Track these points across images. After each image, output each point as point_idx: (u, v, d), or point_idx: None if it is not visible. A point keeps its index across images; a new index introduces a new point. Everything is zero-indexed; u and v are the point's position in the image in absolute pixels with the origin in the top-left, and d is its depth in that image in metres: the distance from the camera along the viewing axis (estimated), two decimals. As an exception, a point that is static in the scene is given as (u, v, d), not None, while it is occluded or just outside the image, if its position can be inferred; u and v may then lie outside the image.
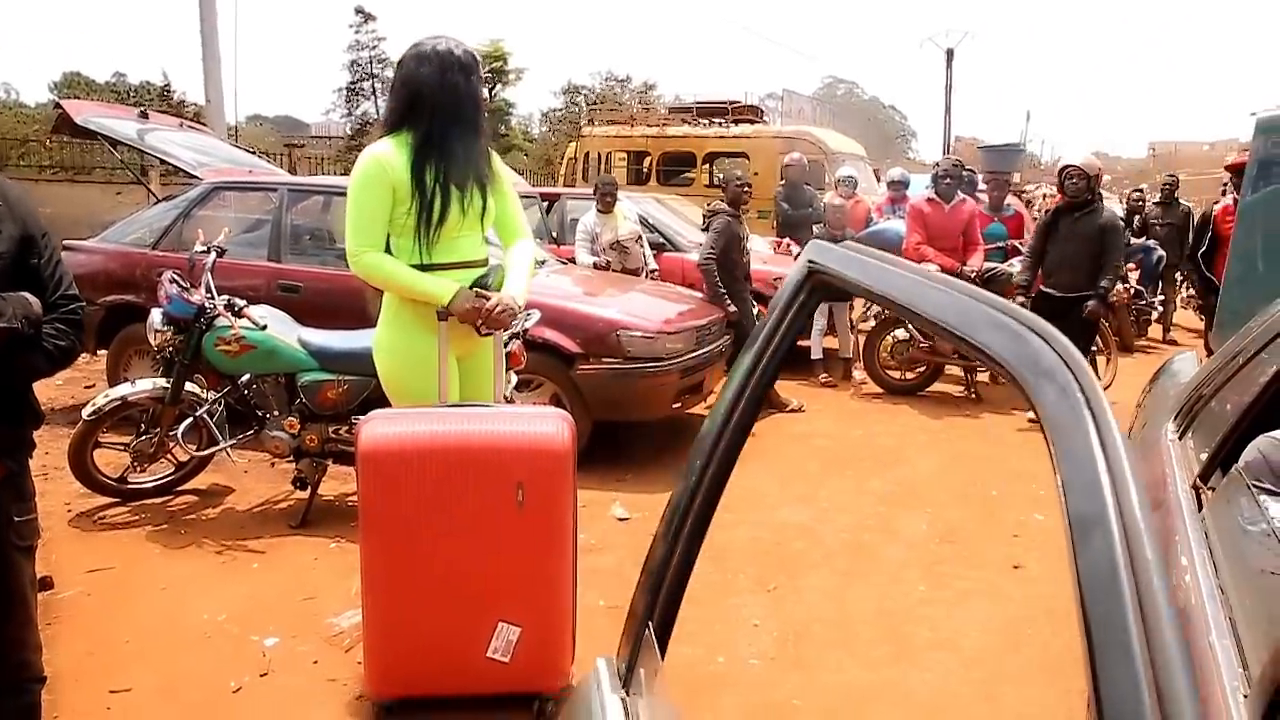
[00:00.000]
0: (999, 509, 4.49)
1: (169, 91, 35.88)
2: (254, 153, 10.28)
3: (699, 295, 6.02)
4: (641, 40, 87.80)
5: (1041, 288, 5.90)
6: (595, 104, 33.09)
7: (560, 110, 43.17)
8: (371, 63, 43.80)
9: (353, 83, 44.72)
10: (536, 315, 4.04)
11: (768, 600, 3.45)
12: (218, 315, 3.94)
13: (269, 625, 3.16)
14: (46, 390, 6.60)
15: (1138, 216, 9.86)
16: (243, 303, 3.96)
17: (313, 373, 3.97)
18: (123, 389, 4.16)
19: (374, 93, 43.49)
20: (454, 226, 2.71)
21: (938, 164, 6.73)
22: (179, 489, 4.47)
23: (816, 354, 7.22)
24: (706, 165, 13.79)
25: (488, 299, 2.62)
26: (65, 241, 6.45)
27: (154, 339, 4.05)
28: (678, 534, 1.13)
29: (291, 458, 4.11)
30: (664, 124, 14.81)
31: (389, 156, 2.66)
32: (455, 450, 2.42)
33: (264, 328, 3.92)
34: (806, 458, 5.29)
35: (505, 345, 3.85)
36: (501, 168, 2.89)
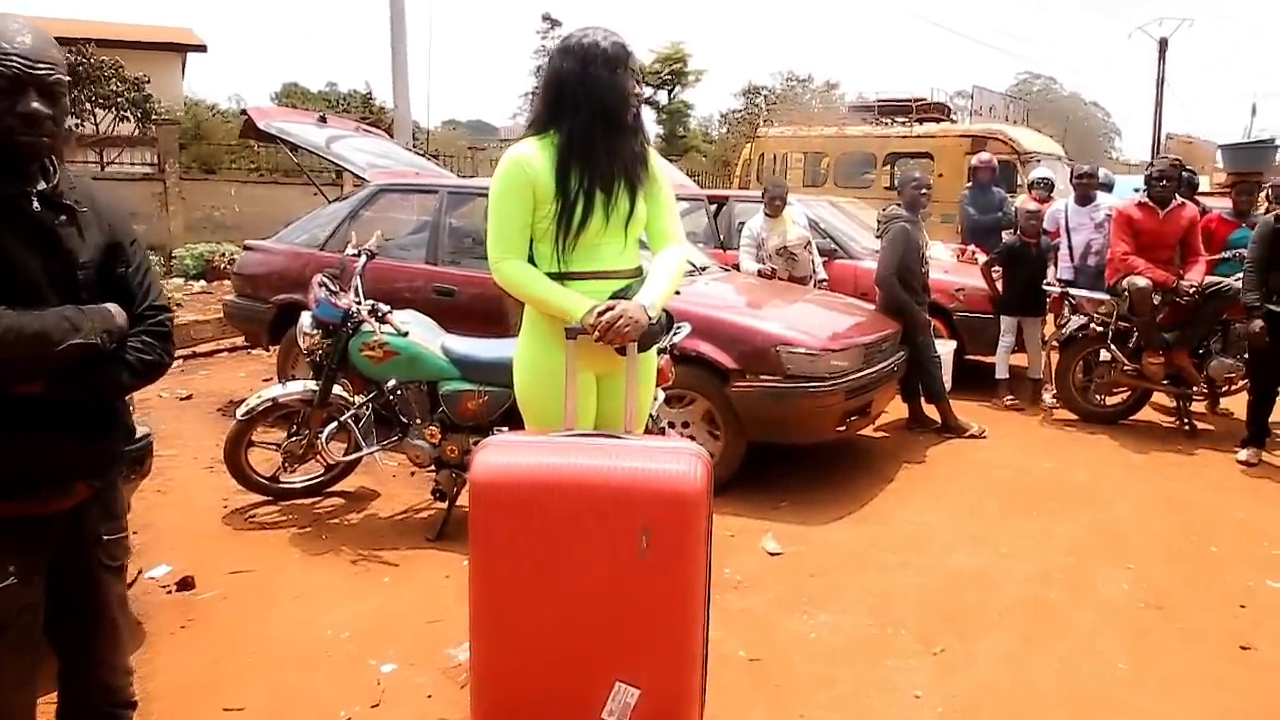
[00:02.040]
0: (1220, 570, 3.81)
1: (370, 99, 38.18)
2: (434, 156, 10.56)
3: (870, 307, 5.55)
4: (824, 39, 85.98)
5: (1270, 306, 5.06)
6: (775, 104, 32.52)
7: (740, 111, 42.83)
8: (555, 67, 44.79)
9: (537, 87, 45.90)
10: (686, 328, 3.75)
11: (933, 666, 3.01)
12: (363, 320, 3.87)
13: (389, 649, 3.02)
14: (230, 383, 6.93)
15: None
16: (387, 308, 3.88)
17: (454, 382, 3.84)
18: (274, 390, 4.19)
19: (556, 96, 44.42)
20: (596, 233, 2.45)
21: (1151, 164, 5.93)
22: (328, 490, 4.48)
23: (1002, 373, 6.55)
24: (887, 166, 13.11)
25: (612, 309, 2.33)
26: (245, 242, 6.75)
27: (303, 342, 4.05)
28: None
29: (432, 467, 4.01)
30: (843, 123, 14.22)
31: (530, 158, 2.43)
32: (572, 488, 2.16)
33: (406, 334, 3.82)
34: (985, 492, 4.73)
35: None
36: (661, 169, 2.60)
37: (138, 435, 3.13)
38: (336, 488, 4.51)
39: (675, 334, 3.72)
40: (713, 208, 7.90)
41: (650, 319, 2.37)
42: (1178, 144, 25.59)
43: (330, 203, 6.34)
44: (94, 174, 14.89)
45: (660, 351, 3.61)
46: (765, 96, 39.75)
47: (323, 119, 6.63)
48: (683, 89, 32.13)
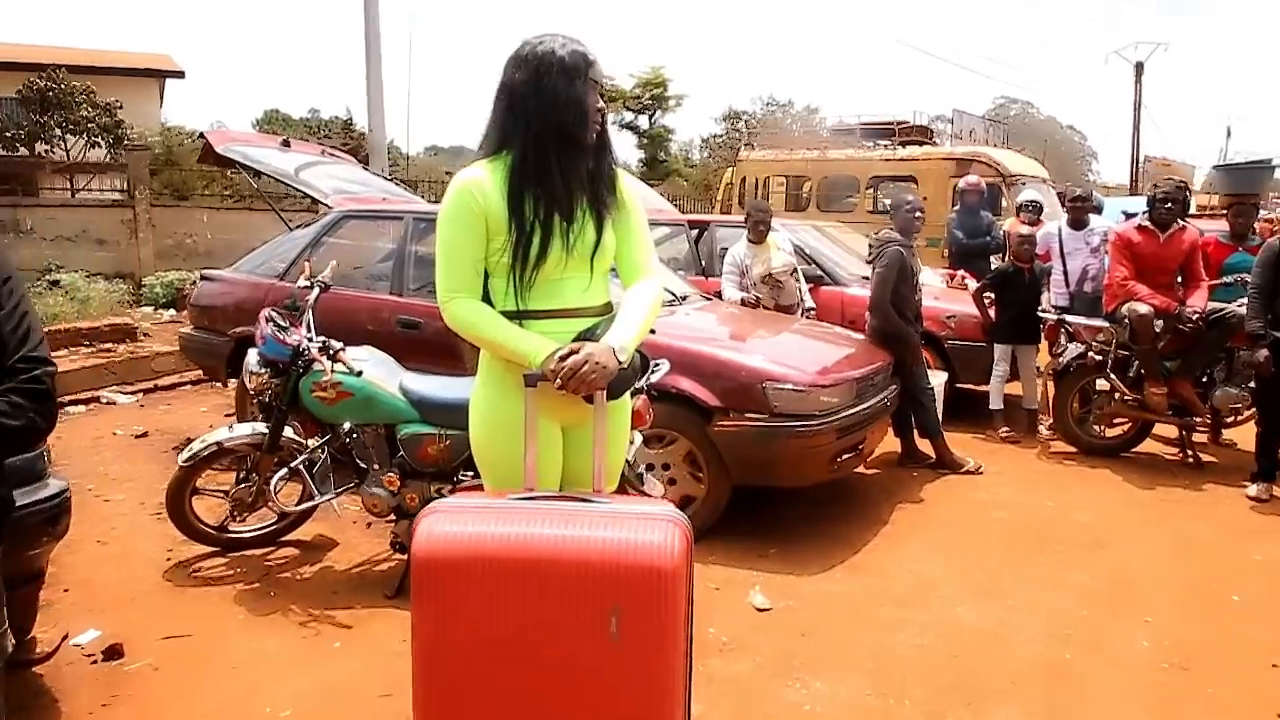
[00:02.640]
0: (1247, 622, 3.53)
1: (350, 125, 37.95)
2: (407, 183, 10.25)
3: (860, 337, 5.28)
4: (804, 64, 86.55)
5: (1276, 334, 4.83)
6: (756, 129, 32.47)
7: (721, 136, 42.81)
8: (538, 92, 44.81)
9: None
10: (665, 366, 3.43)
11: (942, 743, 2.70)
12: (314, 358, 3.56)
13: (333, 731, 2.69)
14: (190, 418, 6.57)
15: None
16: (339, 345, 3.56)
17: (413, 425, 3.53)
18: (219, 434, 3.86)
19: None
20: (556, 265, 2.15)
21: (1155, 186, 5.69)
22: (282, 539, 4.15)
23: (996, 404, 6.29)
24: (870, 190, 12.94)
25: (576, 352, 2.03)
26: (201, 272, 6.42)
27: (250, 382, 3.73)
28: None
29: (391, 517, 3.69)
30: (825, 147, 14.05)
31: (481, 183, 2.14)
32: (530, 563, 1.86)
33: (359, 373, 3.51)
34: (986, 536, 4.44)
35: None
36: (631, 192, 2.29)
37: (53, 491, 2.82)
38: (291, 536, 4.18)
39: (653, 372, 3.43)
40: (694, 233, 7.64)
41: (620, 362, 2.08)
42: (1155, 165, 25.66)
43: (292, 230, 6.04)
44: (64, 200, 14.53)
45: (636, 392, 3.32)
46: (746, 121, 39.83)
47: (286, 143, 6.34)
48: (663, 113, 31.99)
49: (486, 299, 2.21)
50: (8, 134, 15.58)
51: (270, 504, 3.92)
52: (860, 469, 5.08)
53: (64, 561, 3.97)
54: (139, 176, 13.75)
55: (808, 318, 6.01)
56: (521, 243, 2.11)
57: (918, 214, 5.51)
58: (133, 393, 7.60)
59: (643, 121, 32.17)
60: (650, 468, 4.14)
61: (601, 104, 2.16)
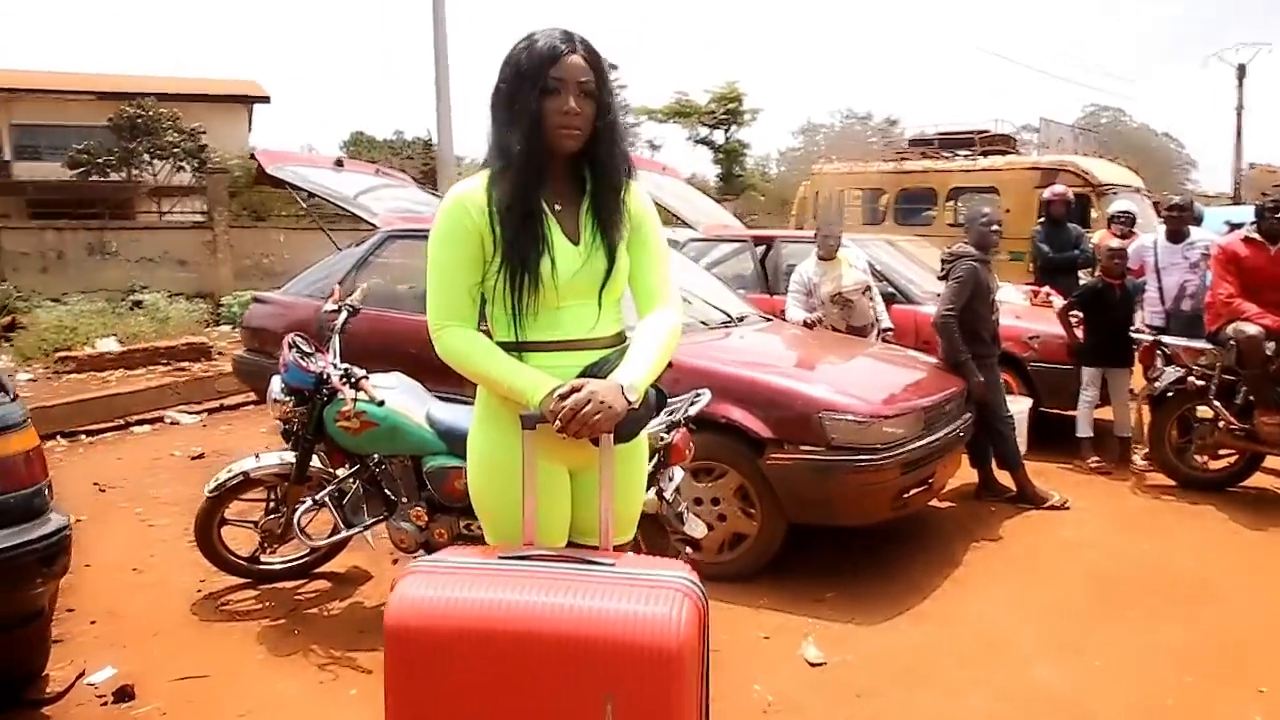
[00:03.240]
0: (1381, 695, 3.06)
1: (430, 145, 38.82)
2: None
3: (932, 361, 4.90)
4: (883, 75, 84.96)
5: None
6: (834, 141, 31.95)
7: (798, 149, 42.32)
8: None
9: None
10: (706, 396, 3.18)
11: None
12: (337, 387, 3.38)
13: (334, 796, 2.47)
14: (249, 439, 6.53)
15: None
16: (362, 372, 3.38)
17: (440, 457, 3.32)
18: (246, 463, 3.72)
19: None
20: (557, 292, 1.90)
21: (1265, 194, 5.19)
22: (315, 571, 4.00)
23: (1084, 431, 5.80)
24: (950, 202, 12.42)
25: (578, 389, 1.78)
26: (253, 294, 6.39)
27: (274, 410, 3.58)
28: None
29: (420, 552, 3.48)
30: (901, 158, 13.58)
31: (475, 198, 1.91)
32: (513, 637, 1.60)
33: (383, 402, 3.32)
34: (1071, 582, 4.01)
35: (665, 437, 3.04)
36: (647, 209, 2.03)
37: (51, 528, 2.68)
38: (325, 568, 4.02)
39: (693, 403, 3.17)
40: (759, 249, 7.34)
41: (629, 401, 1.81)
42: (1260, 172, 24.28)
43: (340, 250, 5.95)
44: (149, 223, 15.02)
45: (675, 426, 3.06)
46: (824, 134, 39.26)
47: (339, 162, 6.28)
48: (738, 128, 31.68)
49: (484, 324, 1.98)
50: (99, 160, 16.19)
51: (300, 536, 3.77)
52: (934, 504, 4.70)
53: (95, 590, 3.90)
54: (218, 199, 14.09)
55: (885, 339, 5.65)
56: (510, 270, 1.87)
57: (994, 227, 5.11)
58: (197, 412, 7.65)
59: (718, 136, 31.95)
60: (699, 501, 3.86)
61: (579, 105, 1.84)
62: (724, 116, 31.04)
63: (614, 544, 1.89)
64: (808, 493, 3.72)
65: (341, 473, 3.67)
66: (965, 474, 5.08)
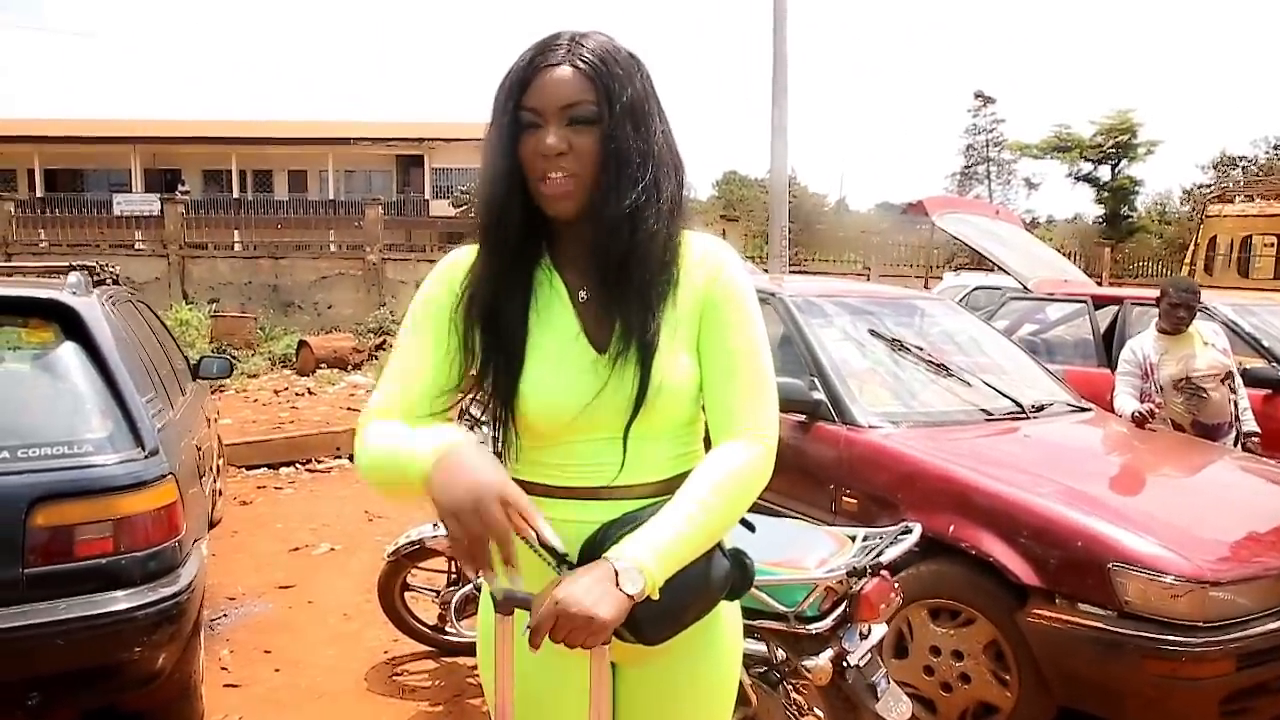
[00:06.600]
0: None
1: (793, 180, 39.09)
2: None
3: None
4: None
5: None
6: (1256, 177, 27.04)
7: (1209, 186, 36.63)
8: (988, 145, 42.42)
9: (966, 167, 43.74)
10: (916, 532, 2.35)
11: None
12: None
13: None
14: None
15: None
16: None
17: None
18: (422, 530, 3.46)
19: (988, 176, 42.32)
20: (564, 419, 1.30)
21: None
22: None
23: None
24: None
25: (558, 582, 1.16)
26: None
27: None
28: None
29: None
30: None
31: (458, 272, 1.37)
32: None
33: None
34: None
35: (857, 584, 2.27)
36: (723, 280, 1.33)
37: (166, 593, 2.54)
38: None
39: (896, 541, 2.35)
40: (1102, 312, 5.99)
41: (634, 594, 1.15)
42: None
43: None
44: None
45: (860, 573, 2.26)
46: (1244, 168, 33.55)
47: (996, 210, 6.04)
48: (1130, 163, 27.98)
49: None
50: (463, 190, 18.01)
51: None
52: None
53: (299, 631, 3.93)
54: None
55: (1247, 447, 4.22)
56: (482, 393, 1.30)
57: None
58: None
59: (1104, 172, 28.49)
60: (936, 652, 2.96)
61: (566, 141, 1.23)
62: (1111, 150, 27.63)
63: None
64: (1084, 671, 2.67)
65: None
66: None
